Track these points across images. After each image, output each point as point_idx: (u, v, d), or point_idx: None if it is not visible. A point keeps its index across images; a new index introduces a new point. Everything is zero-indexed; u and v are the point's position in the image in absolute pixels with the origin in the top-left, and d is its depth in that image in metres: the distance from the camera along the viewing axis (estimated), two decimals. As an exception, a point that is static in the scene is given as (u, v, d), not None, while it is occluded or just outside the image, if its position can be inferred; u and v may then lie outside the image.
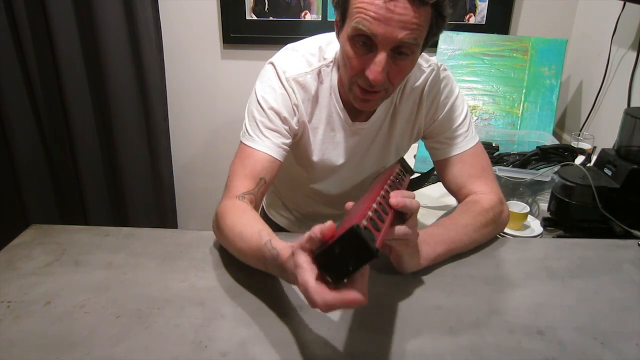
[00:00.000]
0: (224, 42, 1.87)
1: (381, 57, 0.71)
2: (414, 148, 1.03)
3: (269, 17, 1.82)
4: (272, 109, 0.84)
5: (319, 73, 0.87)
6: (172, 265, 0.77)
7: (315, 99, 0.88)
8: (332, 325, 0.64)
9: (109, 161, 1.99)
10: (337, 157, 0.93)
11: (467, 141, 0.91)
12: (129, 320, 0.65)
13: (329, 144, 0.92)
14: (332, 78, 0.87)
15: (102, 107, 1.89)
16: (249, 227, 0.70)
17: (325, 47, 0.88)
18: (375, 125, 0.92)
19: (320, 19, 1.82)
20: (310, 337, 0.62)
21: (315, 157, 0.93)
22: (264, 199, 1.21)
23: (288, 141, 0.86)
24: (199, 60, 1.91)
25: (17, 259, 0.78)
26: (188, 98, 1.97)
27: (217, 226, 0.78)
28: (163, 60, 1.85)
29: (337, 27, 0.78)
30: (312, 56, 0.87)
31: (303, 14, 1.81)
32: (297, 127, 0.88)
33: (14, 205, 1.96)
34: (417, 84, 0.89)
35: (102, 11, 1.71)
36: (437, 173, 0.97)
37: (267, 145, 0.83)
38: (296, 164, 0.97)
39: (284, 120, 0.85)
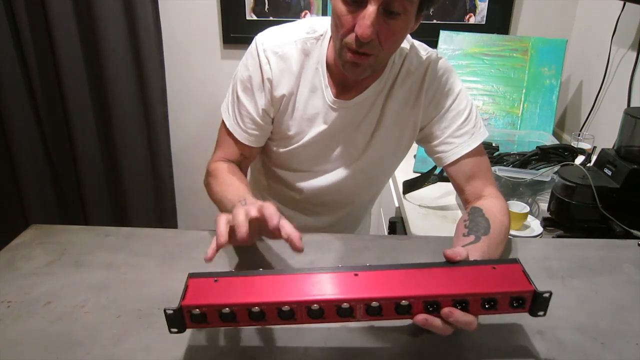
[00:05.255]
0: (224, 42, 1.87)
1: (371, 11, 0.69)
2: (413, 148, 1.01)
3: (269, 17, 1.82)
4: (244, 88, 0.88)
5: (304, 44, 0.86)
6: (172, 265, 0.77)
7: (298, 71, 0.86)
8: (332, 325, 0.64)
9: (109, 161, 1.99)
10: (316, 135, 0.90)
11: (474, 138, 0.88)
12: (129, 320, 0.65)
13: (308, 120, 0.89)
14: (320, 52, 0.86)
15: (102, 107, 1.89)
16: (231, 196, 0.79)
17: (316, 21, 0.87)
18: (362, 107, 0.88)
19: (320, 19, 1.82)
20: (310, 337, 0.62)
21: (292, 132, 0.90)
22: None
23: (257, 125, 0.89)
24: (199, 60, 1.91)
25: (17, 259, 0.78)
26: (188, 98, 1.97)
27: (208, 183, 0.90)
28: (163, 60, 1.85)
29: None
30: (299, 29, 0.87)
31: (303, 14, 1.81)
32: (269, 100, 0.87)
33: (14, 205, 1.96)
34: (414, 69, 0.87)
35: (102, 11, 1.71)
36: (446, 173, 0.93)
37: (238, 132, 0.90)
38: (274, 143, 0.95)
39: (255, 96, 0.87)
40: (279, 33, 0.87)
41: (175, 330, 0.55)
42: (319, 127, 0.89)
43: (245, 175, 0.95)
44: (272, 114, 0.90)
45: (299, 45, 0.85)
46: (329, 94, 0.87)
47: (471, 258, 0.67)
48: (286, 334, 0.63)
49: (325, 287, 0.56)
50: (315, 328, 0.64)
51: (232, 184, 0.84)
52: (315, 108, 0.88)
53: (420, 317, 0.56)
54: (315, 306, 0.55)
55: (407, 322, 0.65)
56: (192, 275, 0.58)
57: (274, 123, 0.91)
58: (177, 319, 0.55)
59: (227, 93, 0.92)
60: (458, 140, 0.88)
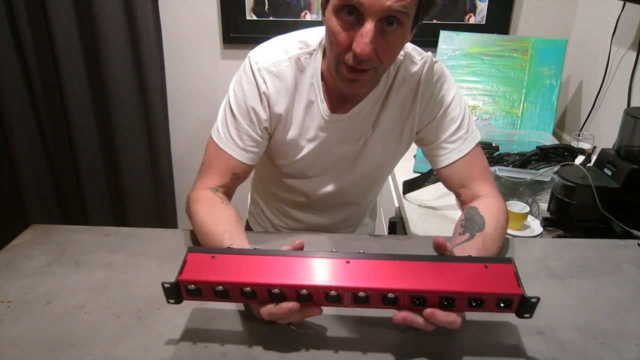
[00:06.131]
0: (224, 42, 1.87)
1: (368, 28, 0.68)
2: (413, 148, 1.01)
3: (269, 17, 1.82)
4: (240, 108, 0.85)
5: (297, 61, 0.84)
6: (172, 265, 0.77)
7: (293, 88, 0.85)
8: (332, 325, 0.64)
9: (109, 161, 1.99)
10: (313, 149, 0.90)
11: (467, 143, 0.89)
12: (129, 320, 0.65)
13: (305, 135, 0.89)
14: (315, 66, 0.84)
15: (102, 107, 1.89)
16: (214, 227, 0.75)
17: (308, 35, 0.86)
18: (358, 117, 0.88)
19: (320, 19, 1.81)
20: (311, 337, 0.62)
21: (288, 147, 0.90)
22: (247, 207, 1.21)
23: (256, 142, 0.87)
24: (199, 60, 1.91)
25: (17, 259, 0.78)
26: (188, 98, 1.97)
27: (189, 212, 0.84)
28: (163, 60, 1.85)
29: (323, 6, 0.75)
30: (292, 44, 0.85)
31: (303, 14, 1.81)
32: (267, 118, 0.86)
33: (14, 205, 1.96)
34: (409, 76, 0.87)
35: (102, 11, 1.71)
36: (437, 175, 0.95)
37: (233, 149, 0.86)
38: (272, 158, 0.95)
39: (251, 115, 0.85)
40: (272, 50, 0.85)
41: (172, 301, 0.59)
42: (315, 141, 0.89)
43: (231, 198, 0.89)
44: (270, 131, 0.89)
45: (293, 62, 0.84)
46: (324, 108, 0.86)
47: (465, 255, 0.67)
48: (287, 332, 0.63)
49: (316, 272, 0.58)
50: (316, 328, 0.64)
51: (220, 218, 0.78)
52: (311, 123, 0.88)
53: (399, 317, 0.57)
54: (304, 291, 0.57)
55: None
56: (191, 250, 0.61)
57: (271, 139, 0.91)
58: (174, 292, 0.58)
59: (218, 115, 0.89)
60: (452, 146, 0.89)
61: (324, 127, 0.88)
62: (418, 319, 0.57)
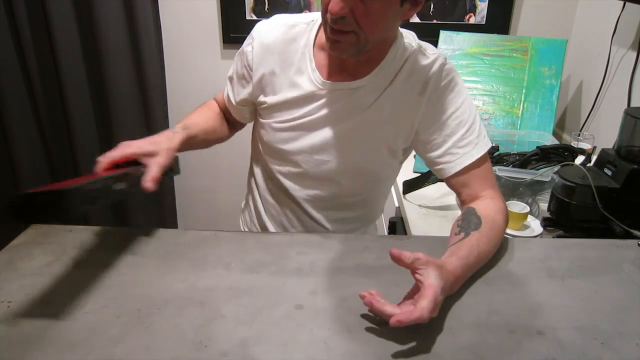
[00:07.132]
0: (224, 42, 1.87)
1: None
2: (413, 148, 1.00)
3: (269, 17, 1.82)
4: (235, 73, 0.97)
5: (292, 28, 0.90)
6: (172, 265, 0.77)
7: (280, 52, 0.90)
8: (331, 325, 0.64)
9: (109, 161, 1.99)
10: (303, 121, 0.90)
11: (478, 148, 0.87)
12: (129, 320, 0.65)
13: (295, 102, 0.90)
14: (309, 37, 0.89)
15: (102, 107, 1.89)
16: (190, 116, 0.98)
17: (312, 12, 0.92)
18: (357, 95, 0.87)
19: (320, 19, 1.82)
20: (310, 337, 0.62)
21: (282, 117, 0.92)
22: (244, 214, 1.18)
23: (234, 107, 1.00)
24: (199, 60, 1.91)
25: (17, 259, 0.78)
26: (188, 98, 1.97)
27: None
28: (163, 60, 1.85)
29: None
30: (296, 15, 0.92)
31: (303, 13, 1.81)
32: (249, 90, 0.95)
33: (14, 205, 1.96)
34: (419, 67, 0.86)
35: (102, 11, 1.71)
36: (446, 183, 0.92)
37: (229, 99, 1.01)
38: (264, 137, 0.97)
39: (234, 86, 0.98)
40: (277, 17, 0.93)
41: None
42: (307, 107, 0.90)
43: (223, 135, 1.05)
44: (255, 96, 0.95)
45: (287, 28, 0.90)
46: (317, 76, 0.88)
47: (459, 253, 0.70)
48: (287, 332, 0.63)
49: None
50: (316, 328, 0.64)
51: (195, 114, 1.00)
52: (301, 90, 0.89)
53: (367, 300, 0.63)
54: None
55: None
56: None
57: (264, 106, 0.93)
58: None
59: None
60: (461, 151, 0.86)
61: (317, 95, 0.89)
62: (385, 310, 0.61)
